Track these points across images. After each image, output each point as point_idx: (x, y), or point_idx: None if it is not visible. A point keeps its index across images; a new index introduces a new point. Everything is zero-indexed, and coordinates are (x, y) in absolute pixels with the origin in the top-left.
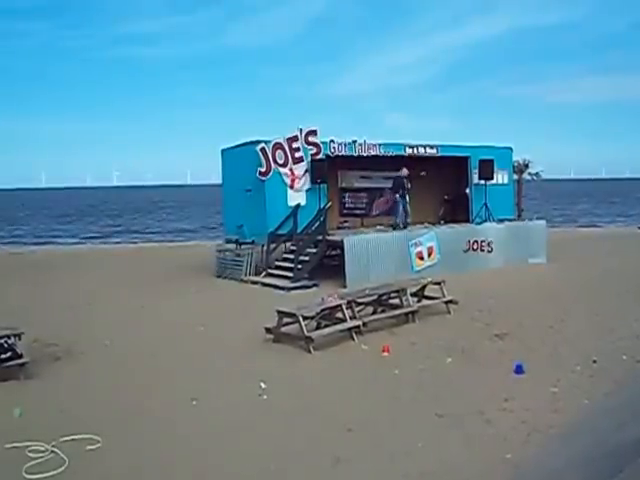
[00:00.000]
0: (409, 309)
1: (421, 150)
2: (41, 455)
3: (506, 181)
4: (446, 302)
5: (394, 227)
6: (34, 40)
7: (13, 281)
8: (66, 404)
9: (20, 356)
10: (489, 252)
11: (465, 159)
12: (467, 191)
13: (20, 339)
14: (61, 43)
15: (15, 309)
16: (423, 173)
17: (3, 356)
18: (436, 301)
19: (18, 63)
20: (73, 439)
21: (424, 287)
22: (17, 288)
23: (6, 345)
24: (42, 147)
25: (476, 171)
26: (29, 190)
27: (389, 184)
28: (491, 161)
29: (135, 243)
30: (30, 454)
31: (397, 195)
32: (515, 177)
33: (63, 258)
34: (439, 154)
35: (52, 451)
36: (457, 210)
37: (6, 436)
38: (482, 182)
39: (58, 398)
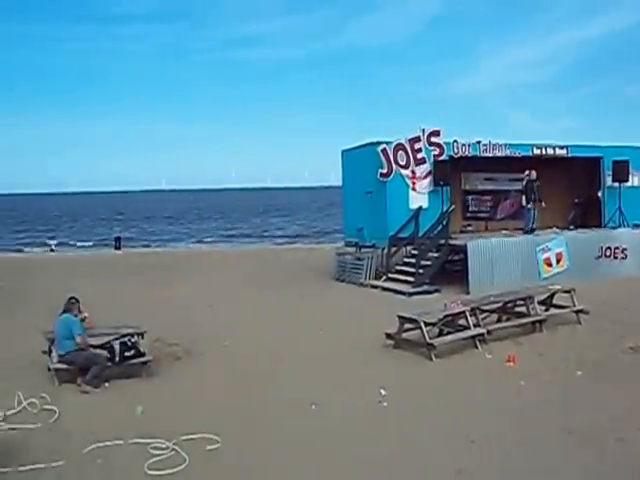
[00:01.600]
0: (536, 318)
1: (550, 151)
2: (162, 452)
3: None
4: (576, 311)
5: (526, 232)
6: (151, 43)
7: (136, 281)
8: (186, 403)
9: (143, 354)
10: (623, 259)
11: (597, 160)
12: (599, 194)
13: (143, 338)
14: (180, 45)
15: (138, 309)
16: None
17: (127, 354)
18: (565, 310)
19: (136, 65)
20: (193, 438)
21: (553, 295)
22: (140, 288)
23: (130, 343)
24: (161, 150)
25: (609, 173)
26: (151, 192)
27: (515, 186)
28: (626, 162)
29: (254, 243)
30: (152, 451)
31: (528, 200)
32: None
33: (183, 259)
34: (569, 155)
35: (173, 449)
36: (588, 214)
37: (129, 432)
38: (616, 184)
39: (179, 397)
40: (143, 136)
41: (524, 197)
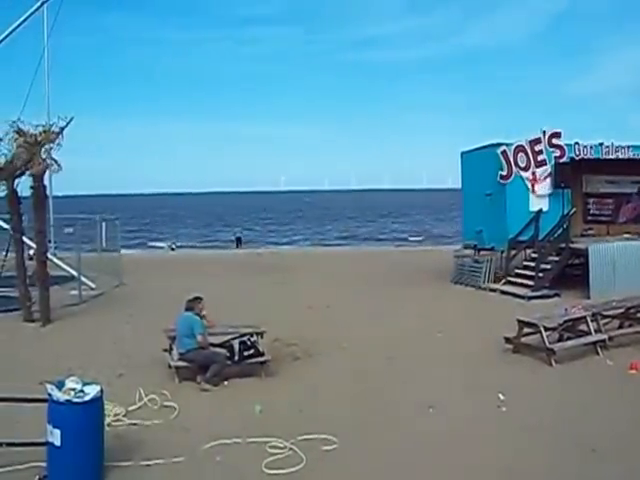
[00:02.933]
0: None
1: None
2: (280, 452)
3: None
4: None
5: None
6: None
7: (255, 281)
8: (304, 403)
9: (262, 354)
10: None
11: None
12: None
13: (262, 337)
14: (307, 48)
15: (258, 308)
16: None
17: (246, 353)
18: None
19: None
20: (310, 438)
21: None
22: (259, 288)
23: (249, 343)
24: (281, 151)
25: None
26: (268, 193)
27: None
28: None
29: (371, 245)
30: (269, 450)
31: None
32: None
33: (301, 260)
34: None
35: (290, 448)
36: None
37: (247, 430)
38: None
39: (296, 397)
40: (260, 137)
41: None
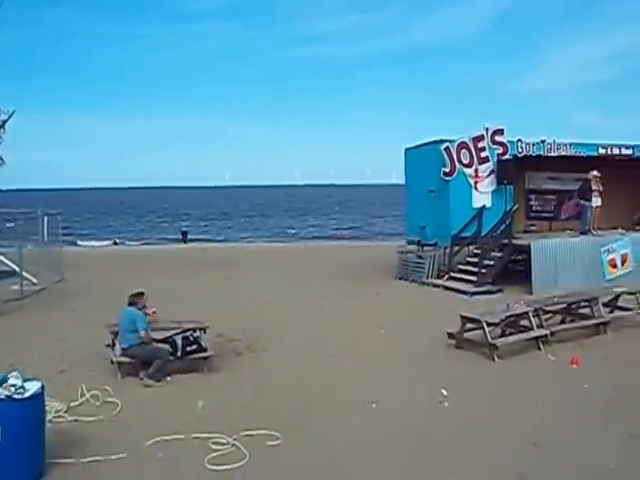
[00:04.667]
0: (600, 320)
1: (615, 150)
2: (223, 447)
3: None
4: None
5: (582, 232)
6: (223, 41)
7: (197, 277)
8: (247, 399)
9: (205, 350)
10: None
11: None
12: None
13: (205, 333)
14: (254, 43)
15: (201, 304)
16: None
17: (189, 349)
18: (630, 313)
19: (206, 63)
20: (254, 434)
21: (617, 297)
22: (202, 284)
23: (192, 338)
24: (226, 147)
25: None
26: (214, 188)
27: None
28: None
29: (314, 240)
30: (212, 446)
31: (582, 200)
32: None
33: (246, 255)
34: (635, 155)
35: (233, 444)
36: None
37: (190, 426)
38: None
39: (239, 393)
40: (206, 132)
41: (577, 195)
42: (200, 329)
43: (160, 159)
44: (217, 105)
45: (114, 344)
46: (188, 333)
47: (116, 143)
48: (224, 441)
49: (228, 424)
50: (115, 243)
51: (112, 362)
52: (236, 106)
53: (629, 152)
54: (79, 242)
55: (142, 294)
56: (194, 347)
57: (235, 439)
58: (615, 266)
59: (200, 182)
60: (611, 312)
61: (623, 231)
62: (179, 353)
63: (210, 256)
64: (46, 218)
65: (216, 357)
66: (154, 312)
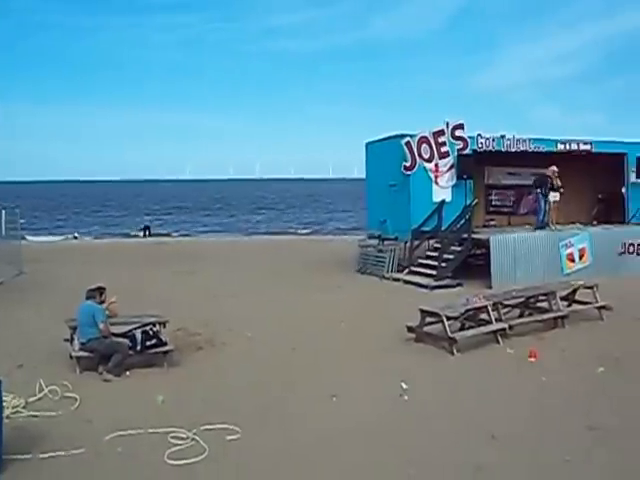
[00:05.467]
0: (558, 313)
1: (574, 146)
2: (182, 442)
3: None
4: (599, 308)
5: (537, 227)
6: (182, 34)
7: (157, 271)
8: (207, 393)
9: (165, 344)
10: None
11: (621, 156)
12: (623, 190)
13: (165, 327)
14: (214, 36)
15: (161, 298)
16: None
17: (149, 343)
18: (588, 306)
19: (168, 56)
20: (213, 428)
21: (575, 291)
22: (162, 278)
23: (151, 332)
24: (186, 140)
25: (634, 169)
26: (175, 181)
27: None
28: None
29: (274, 234)
30: (172, 440)
31: (539, 193)
32: None
33: (204, 249)
34: (593, 150)
35: (193, 439)
36: (612, 210)
37: (149, 421)
38: None
39: (200, 387)
40: (166, 125)
41: (534, 187)
42: (160, 323)
43: (118, 153)
44: (178, 98)
45: (73, 339)
46: (148, 327)
47: (71, 136)
48: (184, 435)
49: (188, 418)
50: (75, 237)
51: (71, 357)
52: (197, 100)
53: (587, 147)
54: (28, 237)
55: (101, 288)
56: (154, 341)
57: (195, 433)
58: (573, 260)
59: (160, 175)
60: (569, 306)
61: (581, 226)
62: (139, 347)
63: (171, 250)
64: (4, 211)
65: (176, 351)
66: (113, 302)
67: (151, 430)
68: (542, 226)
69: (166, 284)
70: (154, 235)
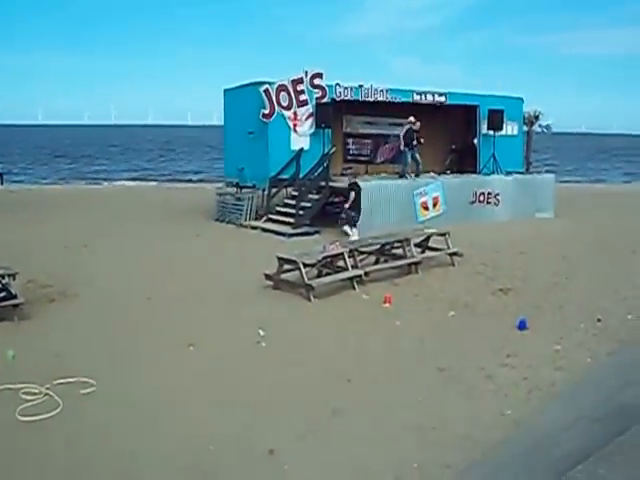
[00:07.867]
0: (412, 260)
1: (429, 97)
2: (35, 398)
3: (515, 132)
4: (450, 254)
5: (401, 176)
6: None
7: (6, 220)
8: (60, 347)
9: (14, 297)
10: (495, 205)
11: (474, 108)
12: (475, 141)
13: (14, 279)
14: None
15: (9, 249)
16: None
17: None
18: (440, 253)
19: None
20: (67, 382)
21: (428, 238)
22: (11, 227)
23: (0, 285)
24: (38, 83)
25: (485, 121)
26: (25, 127)
27: (395, 131)
28: (501, 111)
29: (132, 181)
30: (24, 396)
31: (405, 146)
32: (525, 129)
33: (56, 197)
34: (447, 102)
35: (46, 394)
36: (464, 160)
37: (0, 377)
38: (491, 132)
39: (52, 340)
40: (17, 68)
41: (403, 143)
42: (9, 275)
43: None
44: (31, 39)
45: None
46: None
47: None
48: (36, 391)
49: (40, 373)
50: None
51: None
52: (52, 40)
53: (442, 99)
54: None
55: None
56: (3, 294)
57: (48, 388)
58: (427, 208)
59: (10, 120)
60: (422, 252)
61: (435, 175)
62: None
63: (23, 198)
64: None
65: (27, 304)
66: None
67: (1, 387)
68: (415, 175)
69: (15, 233)
70: (8, 183)
